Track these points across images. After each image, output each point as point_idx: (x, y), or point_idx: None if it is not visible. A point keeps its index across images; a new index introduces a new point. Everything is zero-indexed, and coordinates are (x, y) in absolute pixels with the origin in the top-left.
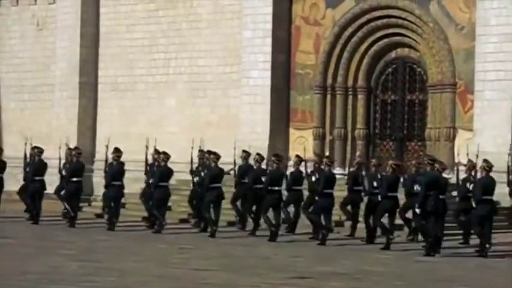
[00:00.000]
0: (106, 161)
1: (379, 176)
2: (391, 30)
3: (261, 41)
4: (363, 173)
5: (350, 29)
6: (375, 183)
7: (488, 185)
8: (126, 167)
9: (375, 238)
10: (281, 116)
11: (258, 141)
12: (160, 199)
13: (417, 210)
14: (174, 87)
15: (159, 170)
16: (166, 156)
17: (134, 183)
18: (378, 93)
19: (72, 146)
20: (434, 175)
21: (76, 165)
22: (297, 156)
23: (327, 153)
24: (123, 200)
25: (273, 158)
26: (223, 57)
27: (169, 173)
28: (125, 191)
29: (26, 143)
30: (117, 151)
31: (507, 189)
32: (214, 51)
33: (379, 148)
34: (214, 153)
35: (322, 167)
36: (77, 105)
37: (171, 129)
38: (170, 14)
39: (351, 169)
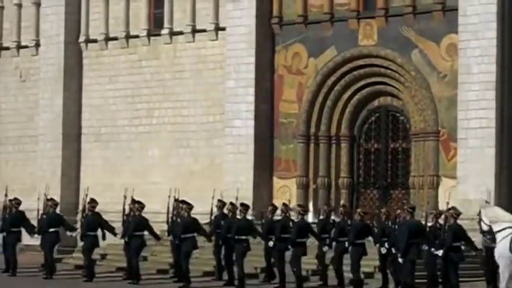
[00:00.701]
0: (83, 211)
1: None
2: (373, 79)
3: (244, 91)
4: (331, 220)
5: (332, 78)
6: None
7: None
8: (110, 218)
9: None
10: (265, 165)
11: (242, 190)
12: (137, 249)
13: (400, 260)
14: (158, 137)
15: (134, 219)
16: (141, 205)
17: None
18: (361, 142)
19: (55, 197)
20: (415, 223)
21: (53, 216)
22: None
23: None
24: (102, 251)
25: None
26: (207, 107)
27: (144, 222)
28: (108, 241)
29: (5, 194)
30: (93, 201)
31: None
32: (198, 101)
33: (363, 197)
34: (187, 203)
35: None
36: (60, 157)
37: (155, 179)
38: (153, 65)
39: (320, 217)
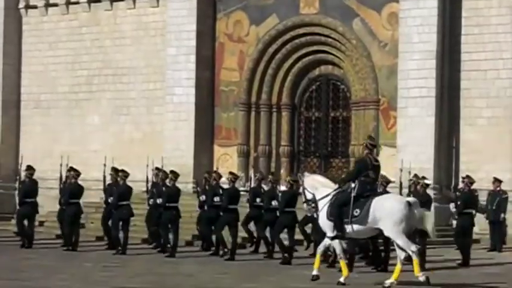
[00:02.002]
0: (19, 179)
1: (277, 192)
2: (314, 48)
3: (185, 58)
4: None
5: (274, 46)
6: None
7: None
8: (50, 185)
9: (272, 252)
10: (205, 133)
11: (183, 158)
12: (71, 216)
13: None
14: (98, 104)
15: (69, 187)
16: (77, 173)
17: (56, 201)
18: (302, 111)
19: None
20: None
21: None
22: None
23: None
24: (40, 218)
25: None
26: (147, 74)
27: (80, 190)
28: (47, 209)
29: None
30: (30, 168)
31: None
32: (138, 68)
33: (303, 165)
34: (123, 171)
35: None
36: None
37: (95, 147)
38: (93, 31)
39: (253, 185)
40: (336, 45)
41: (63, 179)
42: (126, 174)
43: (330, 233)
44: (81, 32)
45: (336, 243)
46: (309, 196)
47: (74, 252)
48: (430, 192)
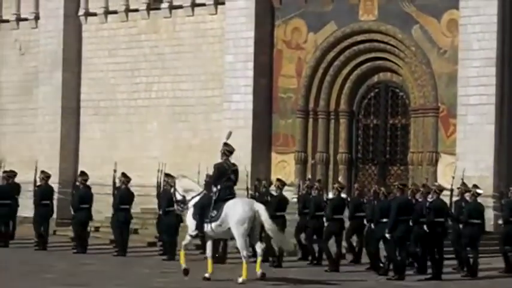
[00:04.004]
0: (74, 185)
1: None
2: (373, 55)
3: (243, 65)
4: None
5: (332, 53)
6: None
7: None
8: (109, 191)
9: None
10: (263, 140)
11: (240, 165)
12: (121, 222)
13: (387, 236)
14: (156, 111)
15: (119, 192)
16: (127, 179)
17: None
18: (360, 118)
19: (53, 170)
20: (405, 199)
21: (45, 188)
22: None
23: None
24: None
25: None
26: (205, 81)
27: (130, 196)
28: (105, 215)
29: None
30: (83, 174)
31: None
32: (197, 75)
33: (361, 172)
34: (171, 176)
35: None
36: (59, 130)
37: (153, 154)
38: (152, 38)
39: (301, 192)
40: (394, 52)
41: (116, 184)
42: (174, 181)
43: (191, 231)
44: (140, 39)
45: (187, 239)
46: (179, 197)
47: (125, 257)
48: (490, 200)
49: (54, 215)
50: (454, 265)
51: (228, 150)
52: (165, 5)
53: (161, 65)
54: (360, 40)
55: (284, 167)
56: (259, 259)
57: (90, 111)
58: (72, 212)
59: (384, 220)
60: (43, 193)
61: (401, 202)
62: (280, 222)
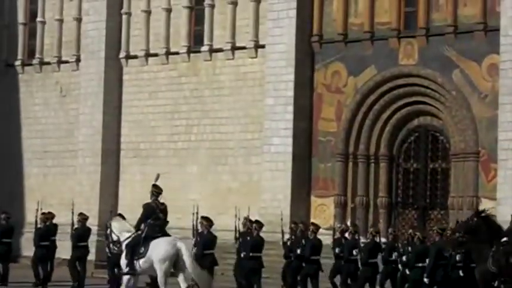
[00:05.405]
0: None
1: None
2: (413, 98)
3: (282, 108)
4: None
5: (372, 97)
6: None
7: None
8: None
9: None
10: (303, 184)
11: (279, 208)
12: None
13: (425, 280)
14: (196, 153)
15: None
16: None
17: None
18: (400, 162)
19: (93, 212)
20: (443, 244)
21: (81, 230)
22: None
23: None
24: None
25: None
26: (245, 124)
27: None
28: None
29: (37, 209)
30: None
31: None
32: (236, 118)
33: (401, 217)
34: (208, 220)
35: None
36: (99, 172)
37: (192, 196)
38: (192, 81)
39: (336, 236)
40: (435, 96)
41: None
42: (210, 224)
43: (124, 269)
44: (181, 82)
45: (125, 278)
46: (115, 238)
47: None
48: None
49: (93, 257)
50: None
51: (156, 191)
52: (205, 48)
53: (201, 107)
54: (400, 84)
55: (324, 211)
56: None
57: (130, 153)
58: (109, 254)
59: (419, 265)
60: (80, 235)
61: (440, 247)
62: (314, 267)
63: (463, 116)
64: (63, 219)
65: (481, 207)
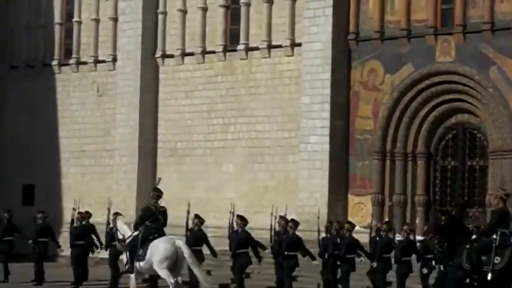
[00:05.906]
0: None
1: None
2: (450, 96)
3: (319, 107)
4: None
5: (409, 95)
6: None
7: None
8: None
9: None
10: (340, 182)
11: (316, 207)
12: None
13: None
14: (232, 152)
15: (192, 235)
16: (200, 220)
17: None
18: (438, 159)
19: (130, 211)
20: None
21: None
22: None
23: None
24: None
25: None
26: (282, 123)
27: (202, 236)
28: None
29: (73, 208)
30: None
31: None
32: (273, 116)
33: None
34: (242, 218)
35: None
36: (136, 171)
37: (229, 195)
38: (229, 80)
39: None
40: (472, 93)
41: (189, 226)
42: (245, 223)
43: (124, 268)
44: (217, 81)
45: (131, 277)
46: (120, 236)
47: None
48: None
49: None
50: None
51: (157, 195)
52: (241, 46)
53: (237, 106)
54: (437, 81)
55: (361, 209)
56: None
57: (166, 152)
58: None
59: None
60: (113, 234)
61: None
62: (349, 266)
63: (500, 113)
64: (100, 219)
65: None
